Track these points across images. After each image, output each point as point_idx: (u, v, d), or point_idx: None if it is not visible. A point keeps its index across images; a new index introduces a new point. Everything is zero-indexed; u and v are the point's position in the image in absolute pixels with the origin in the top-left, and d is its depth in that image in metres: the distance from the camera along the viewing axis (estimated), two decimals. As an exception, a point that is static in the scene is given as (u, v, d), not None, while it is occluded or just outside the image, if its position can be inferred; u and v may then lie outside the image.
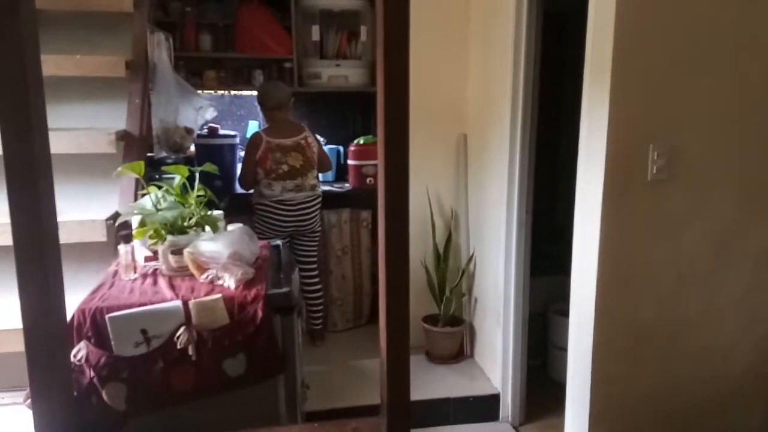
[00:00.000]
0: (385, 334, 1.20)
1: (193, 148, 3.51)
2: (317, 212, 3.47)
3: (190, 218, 1.86)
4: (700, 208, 2.16)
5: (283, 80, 3.88)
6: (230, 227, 2.01)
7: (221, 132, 3.81)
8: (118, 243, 1.87)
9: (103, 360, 1.49)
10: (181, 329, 1.53)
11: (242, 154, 3.50)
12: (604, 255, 2.10)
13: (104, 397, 1.49)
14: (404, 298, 1.19)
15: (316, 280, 3.58)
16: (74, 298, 1.55)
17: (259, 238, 2.18)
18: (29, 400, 1.14)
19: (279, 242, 2.23)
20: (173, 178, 1.92)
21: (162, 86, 2.89)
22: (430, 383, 3.15)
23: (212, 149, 3.67)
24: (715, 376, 2.33)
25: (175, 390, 1.54)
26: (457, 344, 3.45)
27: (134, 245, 1.86)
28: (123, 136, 2.43)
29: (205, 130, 3.67)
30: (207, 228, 1.87)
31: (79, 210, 2.20)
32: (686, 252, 2.18)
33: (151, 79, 2.82)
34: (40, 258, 1.06)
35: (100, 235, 2.12)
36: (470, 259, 3.39)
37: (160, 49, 3.00)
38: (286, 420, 1.69)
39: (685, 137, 2.09)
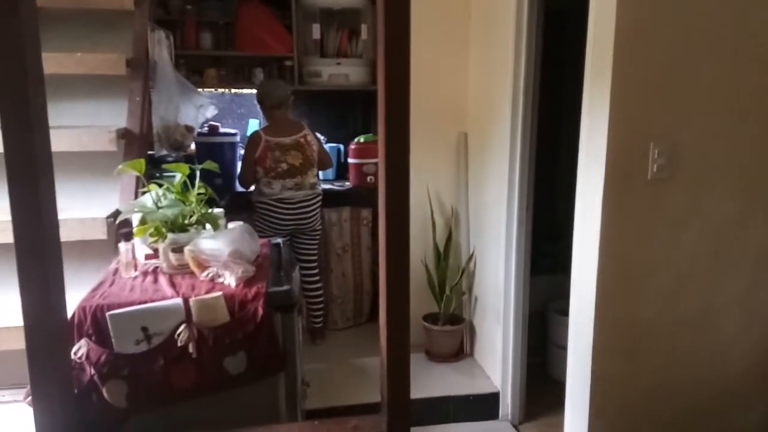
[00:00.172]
0: (386, 333, 1.21)
1: (193, 146, 3.52)
2: (317, 211, 3.47)
3: (191, 216, 1.86)
4: (700, 207, 2.16)
5: (283, 78, 3.88)
6: (231, 225, 2.01)
7: (222, 130, 3.81)
8: (119, 241, 1.88)
9: (103, 357, 1.49)
10: (182, 327, 1.54)
11: (242, 152, 3.50)
12: (604, 253, 2.10)
13: (105, 394, 1.50)
14: (404, 296, 1.20)
15: (317, 278, 3.58)
16: (75, 295, 1.55)
17: (260, 237, 2.18)
18: (30, 398, 1.14)
19: (279, 240, 2.23)
20: (174, 176, 1.92)
21: (162, 84, 2.89)
22: (430, 381, 3.16)
23: (213, 147, 3.67)
24: (714, 375, 2.33)
25: (175, 388, 1.54)
26: (457, 343, 3.46)
27: (135, 243, 1.86)
28: (124, 134, 2.43)
29: (206, 129, 3.67)
30: (207, 226, 1.87)
31: (80, 208, 2.21)
32: (686, 251, 2.19)
33: (151, 77, 2.82)
34: (40, 256, 1.07)
35: (101, 233, 2.13)
36: (470, 257, 3.39)
37: (161, 47, 3.01)
38: (286, 418, 1.69)
39: (686, 136, 2.09)
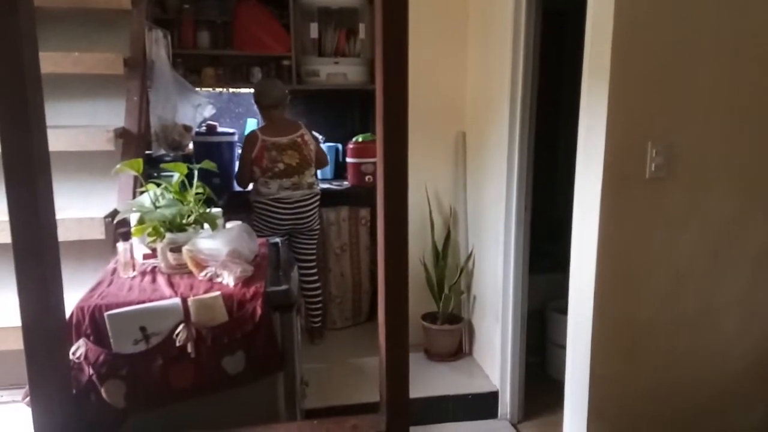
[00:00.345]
0: (384, 332, 1.21)
1: (191, 145, 3.51)
2: (315, 210, 3.47)
3: (189, 216, 1.86)
4: (698, 206, 2.16)
5: (281, 78, 3.87)
6: (229, 225, 2.01)
7: (219, 129, 3.81)
8: (117, 240, 1.87)
9: (102, 357, 1.49)
10: (180, 327, 1.53)
11: (240, 152, 3.49)
12: (603, 252, 2.10)
13: (103, 394, 1.49)
14: (403, 295, 1.20)
15: (315, 278, 3.58)
16: (73, 295, 1.55)
17: (258, 236, 2.18)
18: (28, 398, 1.14)
19: (278, 240, 2.22)
20: (172, 176, 1.92)
21: (160, 84, 2.89)
22: (429, 381, 3.16)
23: (210, 147, 3.67)
24: (714, 374, 2.34)
25: (174, 387, 1.54)
26: (455, 342, 3.46)
27: (133, 243, 1.86)
28: (121, 134, 2.43)
29: (204, 128, 3.67)
30: (206, 225, 1.87)
31: (78, 208, 2.20)
32: (685, 250, 2.19)
33: (149, 76, 2.81)
34: (38, 256, 1.07)
35: (99, 233, 2.13)
36: (469, 256, 3.39)
37: (158, 47, 3.00)
38: (285, 417, 1.69)
39: (684, 135, 2.09)
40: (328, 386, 3.04)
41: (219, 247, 1.72)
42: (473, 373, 3.27)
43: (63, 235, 1.99)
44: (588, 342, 2.18)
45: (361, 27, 3.89)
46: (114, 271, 1.82)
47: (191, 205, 1.87)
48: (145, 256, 1.86)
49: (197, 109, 3.18)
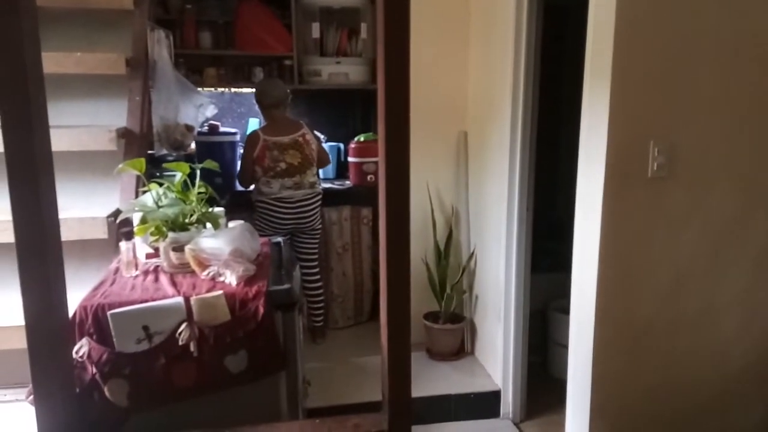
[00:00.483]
0: (386, 331, 1.21)
1: (193, 145, 3.52)
2: (317, 210, 3.47)
3: (191, 215, 1.87)
4: (700, 206, 2.16)
5: (283, 78, 3.88)
6: (231, 224, 2.01)
7: (222, 129, 3.81)
8: (120, 240, 1.88)
9: (105, 356, 1.49)
10: (183, 326, 1.54)
11: (242, 151, 3.50)
12: (605, 252, 2.10)
13: (106, 393, 1.50)
14: (405, 295, 1.20)
15: (317, 277, 3.59)
16: (76, 295, 1.55)
17: (260, 236, 2.18)
18: (32, 397, 1.14)
19: (280, 239, 2.23)
20: (174, 176, 1.92)
21: (162, 83, 2.89)
22: (431, 380, 3.16)
23: (213, 146, 3.67)
24: (714, 374, 2.33)
25: (176, 386, 1.55)
26: (457, 341, 3.46)
27: (135, 242, 1.86)
28: (124, 134, 2.43)
29: (206, 128, 3.67)
30: (208, 225, 1.87)
31: (81, 207, 2.21)
32: (686, 249, 2.19)
33: (151, 76, 2.82)
34: (41, 255, 1.07)
35: (102, 233, 2.13)
36: (471, 256, 3.39)
37: (161, 47, 3.00)
38: (287, 416, 1.69)
39: (686, 134, 2.09)
40: (330, 385, 3.04)
41: (221, 247, 1.72)
42: (475, 373, 3.27)
43: (66, 234, 1.99)
44: (590, 341, 2.18)
45: (363, 27, 3.89)
46: (117, 270, 1.82)
47: (193, 204, 1.88)
48: (148, 256, 1.87)
49: (199, 109, 3.19)
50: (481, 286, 3.34)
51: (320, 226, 3.55)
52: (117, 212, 2.15)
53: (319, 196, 3.49)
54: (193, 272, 1.75)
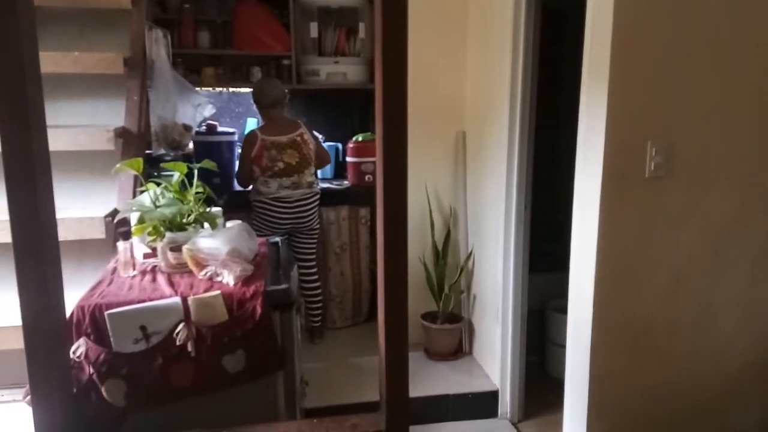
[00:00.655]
0: (384, 331, 1.21)
1: (191, 145, 3.51)
2: (315, 209, 3.47)
3: (189, 215, 1.86)
4: (698, 206, 2.16)
5: (281, 77, 3.88)
6: (229, 224, 2.01)
7: (220, 129, 3.81)
8: (117, 240, 1.88)
9: (102, 356, 1.49)
10: (180, 326, 1.53)
11: (240, 151, 3.49)
12: (602, 252, 2.11)
13: (103, 393, 1.50)
14: (403, 295, 1.20)
15: (315, 277, 3.58)
16: (73, 295, 1.55)
17: (258, 236, 2.18)
18: (29, 397, 1.14)
19: (278, 239, 2.23)
20: (172, 175, 1.92)
21: (160, 83, 2.89)
22: (429, 380, 3.16)
23: (211, 146, 3.67)
24: (713, 374, 2.34)
25: (174, 386, 1.54)
26: (455, 341, 3.46)
27: (133, 242, 1.86)
28: (121, 134, 2.43)
29: (204, 128, 3.67)
30: (206, 225, 1.87)
31: (78, 207, 2.21)
32: (684, 249, 2.19)
33: (149, 76, 2.81)
34: (39, 255, 1.07)
35: (99, 232, 2.13)
36: (469, 256, 3.39)
37: (158, 46, 3.00)
38: (285, 416, 1.69)
39: (683, 134, 2.09)
40: (328, 385, 3.04)
41: (219, 246, 1.72)
42: (473, 373, 3.27)
43: (63, 234, 1.99)
44: (588, 341, 2.18)
45: (361, 26, 3.89)
46: (114, 270, 1.82)
47: (191, 204, 1.88)
48: (146, 256, 1.86)
49: (197, 108, 3.18)
50: (479, 286, 3.34)
51: (318, 226, 3.55)
52: (114, 212, 2.15)
53: (317, 196, 3.49)
54: (190, 272, 1.75)
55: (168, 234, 1.79)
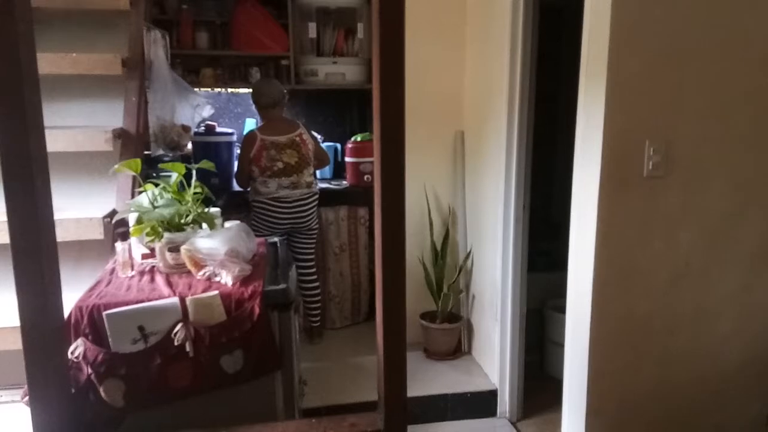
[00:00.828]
0: (382, 330, 1.21)
1: (190, 145, 3.52)
2: (314, 210, 3.47)
3: (187, 215, 1.86)
4: (695, 205, 2.17)
5: (280, 78, 3.88)
6: (227, 224, 2.01)
7: (218, 130, 3.81)
8: (116, 240, 1.88)
9: (100, 357, 1.49)
10: (179, 326, 1.54)
11: (239, 151, 3.50)
12: (601, 251, 2.11)
13: (102, 393, 1.50)
14: (400, 294, 1.20)
15: (314, 277, 3.59)
16: (72, 295, 1.55)
17: (257, 236, 2.18)
18: (27, 398, 1.14)
19: (276, 239, 2.23)
20: (170, 176, 1.92)
21: (159, 84, 2.89)
22: (428, 379, 3.16)
23: (209, 147, 3.67)
24: (710, 372, 2.34)
25: (172, 386, 1.55)
26: (454, 340, 3.46)
27: (131, 243, 1.86)
28: (120, 134, 2.43)
29: (203, 128, 3.67)
30: (204, 225, 1.87)
31: (77, 208, 2.21)
32: (682, 248, 2.19)
33: (147, 76, 2.81)
34: (37, 256, 1.07)
35: (98, 233, 2.13)
36: (468, 255, 3.40)
37: (157, 47, 3.00)
38: (283, 416, 1.69)
39: (681, 133, 2.10)
40: (327, 385, 3.04)
41: (217, 247, 1.72)
42: (472, 372, 3.28)
43: (62, 235, 2.00)
44: (586, 340, 2.18)
45: (360, 27, 3.90)
46: (112, 270, 1.82)
47: (189, 204, 1.88)
48: (144, 256, 1.86)
49: (196, 109, 3.18)
50: (477, 285, 3.34)
51: (317, 226, 3.55)
52: (113, 213, 2.14)
53: (316, 196, 3.49)
54: (188, 272, 1.75)
55: (166, 234, 1.79)
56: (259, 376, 1.64)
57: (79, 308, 1.54)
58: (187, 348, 1.53)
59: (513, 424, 3.00)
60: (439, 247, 3.42)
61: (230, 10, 3.90)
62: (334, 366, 3.33)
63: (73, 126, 2.45)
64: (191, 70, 3.90)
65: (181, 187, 1.91)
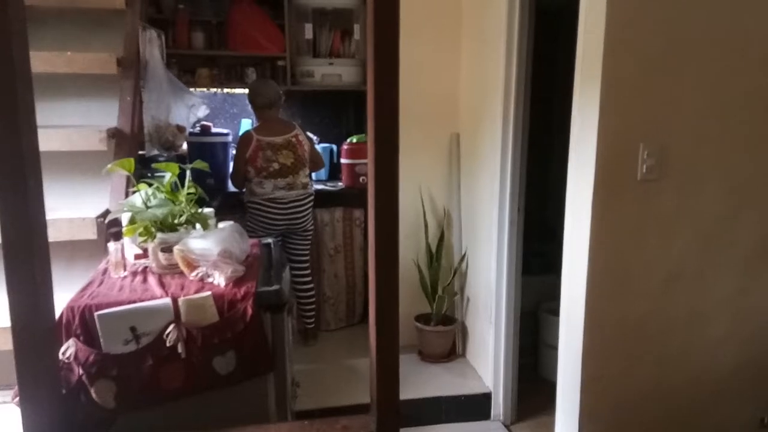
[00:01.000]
0: (374, 332, 1.21)
1: (185, 146, 3.51)
2: (309, 211, 3.47)
3: (180, 216, 1.86)
4: (690, 208, 2.17)
5: (276, 78, 3.88)
6: (221, 225, 2.01)
7: (214, 130, 3.80)
8: (108, 240, 1.87)
9: (91, 358, 1.49)
10: (171, 327, 1.53)
11: (234, 152, 3.49)
12: (594, 254, 2.11)
13: (93, 394, 1.49)
14: (393, 296, 1.20)
15: (309, 279, 3.58)
16: (64, 295, 1.54)
17: (252, 237, 2.17)
18: (17, 398, 1.13)
19: (270, 240, 2.22)
20: (164, 176, 1.92)
21: (154, 84, 2.88)
22: (422, 382, 3.16)
23: (205, 147, 3.66)
24: (705, 375, 2.34)
25: (164, 388, 1.54)
26: (449, 343, 3.46)
27: (124, 243, 1.85)
28: (114, 134, 2.42)
29: (198, 128, 3.66)
30: (197, 226, 1.87)
31: (70, 207, 2.20)
32: (676, 251, 2.20)
33: (142, 76, 2.81)
34: (28, 256, 1.06)
35: (91, 233, 2.12)
36: (462, 258, 3.40)
37: (152, 47, 3.00)
38: (275, 418, 1.69)
39: (675, 137, 2.10)
40: (321, 387, 3.03)
41: (210, 247, 1.71)
42: (466, 374, 3.28)
43: (54, 235, 1.99)
44: (580, 343, 2.18)
45: (356, 28, 3.90)
46: (105, 270, 1.81)
47: (183, 205, 1.87)
48: (137, 256, 1.86)
49: (191, 109, 3.18)
50: (472, 288, 3.34)
51: (312, 228, 3.55)
52: (106, 213, 2.14)
53: (312, 197, 3.48)
54: (181, 273, 1.75)
55: (159, 235, 1.78)
56: (251, 377, 1.63)
57: (70, 308, 1.53)
58: (179, 349, 1.53)
59: (507, 427, 3.00)
60: (434, 250, 3.42)
61: (226, 10, 3.89)
62: (328, 368, 3.32)
63: (68, 125, 2.45)
64: (187, 70, 3.90)
65: (175, 188, 1.90)
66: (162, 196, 1.85)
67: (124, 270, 1.79)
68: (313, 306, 3.63)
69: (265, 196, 3.32)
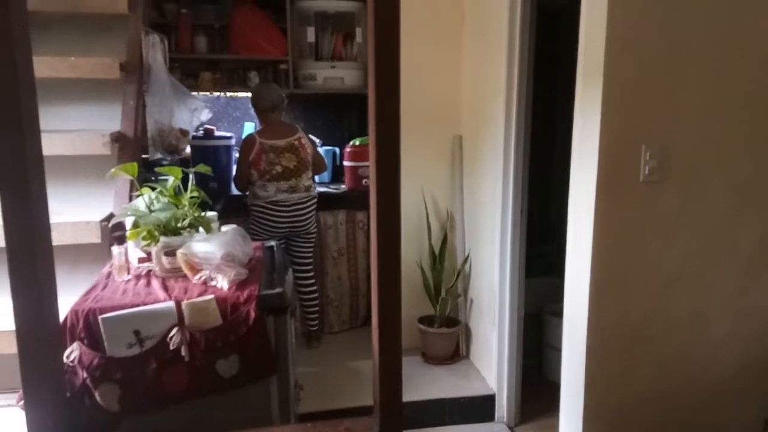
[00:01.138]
0: (377, 334, 1.21)
1: (188, 149, 3.52)
2: (312, 213, 3.47)
3: (184, 219, 1.87)
4: (692, 209, 2.17)
5: (278, 82, 3.88)
6: (224, 228, 2.01)
7: (217, 134, 3.81)
8: (112, 244, 1.88)
9: (96, 361, 1.49)
10: (174, 330, 1.54)
11: (238, 155, 3.50)
12: (597, 256, 2.11)
13: (97, 398, 1.50)
14: (396, 297, 1.20)
15: (312, 281, 3.58)
16: (68, 299, 1.55)
17: (255, 240, 2.18)
18: (22, 402, 1.14)
19: (273, 243, 2.23)
20: (167, 180, 1.92)
21: (157, 88, 2.89)
22: (425, 384, 3.16)
23: (208, 151, 3.67)
24: (707, 376, 2.34)
25: (168, 391, 1.54)
26: (452, 345, 3.46)
27: (128, 246, 1.86)
28: (117, 138, 2.43)
29: (201, 132, 3.67)
30: (200, 229, 1.87)
31: (74, 211, 2.21)
32: (678, 253, 2.19)
33: (145, 80, 2.82)
34: (32, 260, 1.07)
35: (94, 237, 2.13)
36: (465, 259, 3.40)
37: (155, 51, 3.01)
38: (278, 420, 1.69)
39: (678, 138, 2.10)
40: (324, 390, 3.04)
41: (213, 251, 1.72)
42: (470, 376, 3.27)
43: (59, 238, 2.00)
44: (583, 345, 2.18)
45: (358, 31, 3.90)
46: (109, 274, 1.82)
47: (186, 208, 1.88)
48: (140, 260, 1.87)
49: (194, 113, 3.19)
50: (475, 289, 3.34)
51: (315, 230, 3.55)
52: (110, 216, 2.15)
53: (315, 200, 3.49)
54: (185, 276, 1.75)
55: (162, 238, 1.79)
56: (254, 380, 1.64)
57: (74, 312, 1.54)
58: (183, 352, 1.53)
59: (511, 428, 2.99)
60: (437, 252, 3.42)
61: (229, 14, 3.91)
62: (331, 370, 3.32)
63: (71, 129, 2.46)
64: (190, 74, 3.91)
65: (178, 191, 1.91)
66: (165, 199, 1.86)
67: (128, 273, 1.80)
68: (317, 308, 3.63)
69: (268, 199, 3.33)
